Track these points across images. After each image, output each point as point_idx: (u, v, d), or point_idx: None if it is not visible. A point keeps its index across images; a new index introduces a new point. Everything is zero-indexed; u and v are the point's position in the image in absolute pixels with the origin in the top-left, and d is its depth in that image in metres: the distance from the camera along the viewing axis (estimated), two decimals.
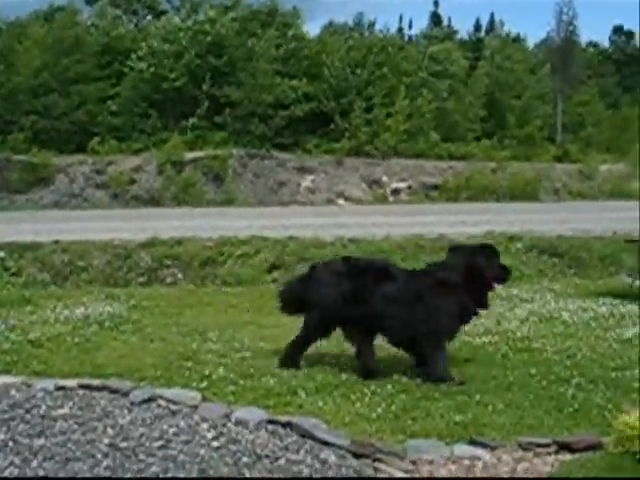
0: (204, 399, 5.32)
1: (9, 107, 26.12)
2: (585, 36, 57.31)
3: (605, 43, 44.55)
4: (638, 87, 38.29)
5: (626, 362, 6.57)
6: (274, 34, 27.82)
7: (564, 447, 4.50)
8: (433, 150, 27.13)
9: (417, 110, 27.76)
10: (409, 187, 25.47)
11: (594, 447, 4.31)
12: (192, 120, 26.41)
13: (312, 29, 40.84)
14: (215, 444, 4.37)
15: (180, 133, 26.03)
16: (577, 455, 4.25)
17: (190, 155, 24.54)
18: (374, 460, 4.19)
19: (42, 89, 26.48)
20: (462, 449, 4.48)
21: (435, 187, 25.55)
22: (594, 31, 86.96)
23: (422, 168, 25.97)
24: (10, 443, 4.38)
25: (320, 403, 5.47)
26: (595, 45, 44.38)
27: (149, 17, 34.13)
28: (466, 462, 4.28)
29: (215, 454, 4.23)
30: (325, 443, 4.41)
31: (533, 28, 74.43)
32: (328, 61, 27.79)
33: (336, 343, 7.08)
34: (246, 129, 26.13)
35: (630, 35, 44.10)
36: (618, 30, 44.29)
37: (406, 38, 38.51)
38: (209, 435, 4.51)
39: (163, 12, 33.21)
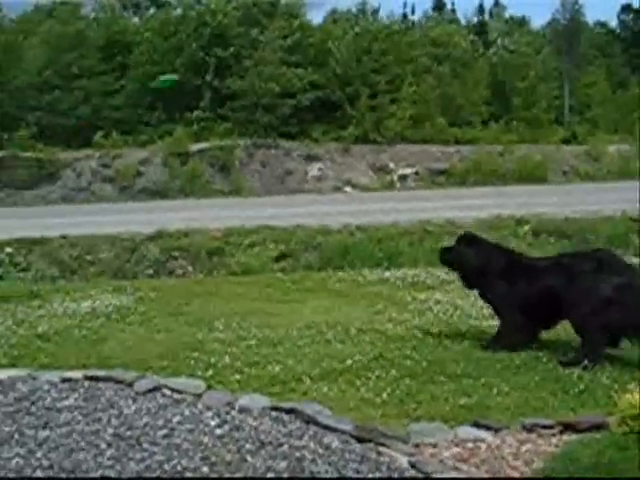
0: (209, 388, 5.33)
1: (15, 104, 26.16)
2: (593, 16, 56.59)
3: (613, 22, 43.94)
4: None
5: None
6: (281, 24, 27.72)
7: (568, 428, 4.49)
8: (439, 135, 27.03)
9: (422, 96, 27.64)
10: (416, 173, 25.39)
11: (598, 427, 4.30)
12: (196, 112, 26.41)
13: (315, 17, 40.44)
14: (218, 432, 4.38)
15: (185, 125, 26.02)
16: (581, 435, 4.23)
17: (196, 147, 24.55)
18: (377, 444, 4.19)
19: (47, 85, 26.53)
20: (466, 431, 4.47)
21: (442, 172, 25.46)
22: (602, 10, 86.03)
23: (429, 153, 25.88)
24: (15, 435, 4.40)
25: (325, 389, 5.46)
26: (603, 25, 43.76)
27: (152, 9, 34.08)
28: (469, 444, 4.27)
29: (218, 442, 4.24)
30: (329, 428, 4.41)
31: (539, 10, 73.83)
32: (334, 49, 27.70)
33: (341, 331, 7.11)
34: (251, 119, 26.08)
35: (639, 13, 43.25)
36: (627, 8, 43.51)
37: (410, 24, 38.26)
38: (213, 423, 4.52)
39: (165, 4, 33.13)
